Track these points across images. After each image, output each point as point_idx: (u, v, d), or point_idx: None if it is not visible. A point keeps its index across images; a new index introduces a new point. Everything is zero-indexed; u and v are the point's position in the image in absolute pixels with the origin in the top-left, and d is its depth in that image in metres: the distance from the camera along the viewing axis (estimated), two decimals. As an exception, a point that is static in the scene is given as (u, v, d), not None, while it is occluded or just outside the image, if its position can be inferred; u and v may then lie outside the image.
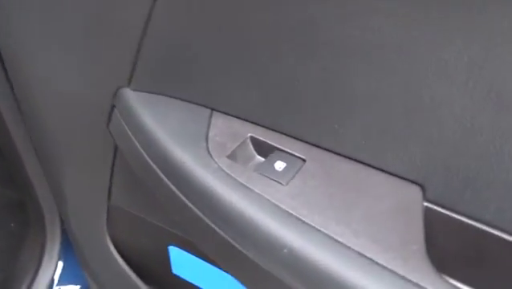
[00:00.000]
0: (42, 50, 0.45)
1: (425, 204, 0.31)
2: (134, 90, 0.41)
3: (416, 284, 0.26)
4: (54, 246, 0.88)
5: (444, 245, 0.31)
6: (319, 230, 0.29)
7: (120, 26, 0.37)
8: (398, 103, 0.30)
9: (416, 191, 0.32)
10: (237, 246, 0.32)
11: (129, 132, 0.40)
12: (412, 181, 0.32)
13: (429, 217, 0.31)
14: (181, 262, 0.59)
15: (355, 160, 0.33)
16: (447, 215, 0.31)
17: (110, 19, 0.38)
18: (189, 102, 0.39)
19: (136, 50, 0.37)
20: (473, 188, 0.30)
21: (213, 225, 0.33)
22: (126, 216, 0.58)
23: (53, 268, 0.89)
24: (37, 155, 0.61)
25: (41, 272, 0.88)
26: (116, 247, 0.65)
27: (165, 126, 0.38)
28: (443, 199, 0.31)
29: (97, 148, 0.50)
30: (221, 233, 0.32)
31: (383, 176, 0.32)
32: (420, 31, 0.27)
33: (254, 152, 0.37)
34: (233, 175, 0.33)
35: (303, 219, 0.30)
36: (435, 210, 0.31)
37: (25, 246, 0.90)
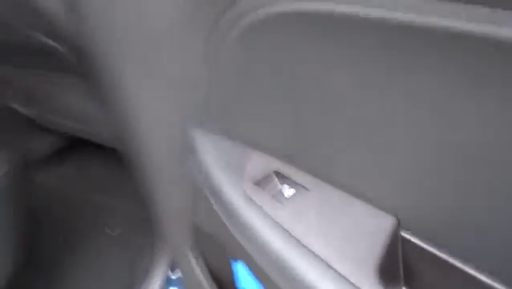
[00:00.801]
0: (134, 81, 0.59)
1: (401, 233, 0.38)
2: (199, 128, 0.54)
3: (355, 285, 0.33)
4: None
5: (413, 271, 0.38)
6: (300, 241, 0.38)
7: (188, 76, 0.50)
8: (376, 143, 0.38)
9: (390, 220, 0.39)
10: (246, 248, 0.42)
11: (193, 163, 0.54)
12: (389, 211, 0.39)
13: (402, 244, 0.38)
14: (246, 277, 0.70)
15: (346, 190, 0.42)
16: (419, 245, 0.38)
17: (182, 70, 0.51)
18: (238, 141, 0.52)
19: (203, 98, 0.51)
20: (445, 226, 0.36)
21: (232, 231, 0.44)
22: (203, 233, 0.71)
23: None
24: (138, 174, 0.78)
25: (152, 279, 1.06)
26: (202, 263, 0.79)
27: (217, 158, 0.51)
28: (415, 231, 0.38)
29: (181, 172, 0.65)
30: (238, 237, 0.43)
31: (365, 205, 0.40)
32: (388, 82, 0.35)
33: (276, 181, 0.47)
34: (252, 197, 0.44)
35: (291, 232, 0.40)
36: (406, 239, 0.38)
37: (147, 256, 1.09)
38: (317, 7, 0.32)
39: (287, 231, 0.39)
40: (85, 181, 1.40)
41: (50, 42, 0.79)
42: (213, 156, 0.51)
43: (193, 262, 0.77)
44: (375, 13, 0.29)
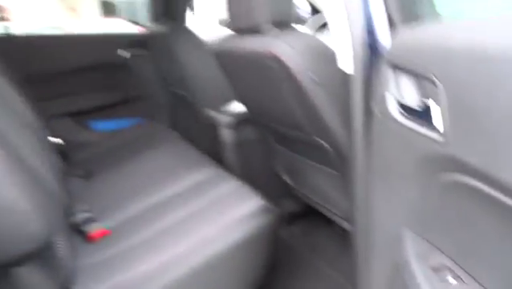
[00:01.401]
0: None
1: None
2: (406, 228, 0.82)
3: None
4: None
5: None
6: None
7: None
8: (500, 266, 0.60)
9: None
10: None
11: (397, 252, 0.82)
12: None
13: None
14: None
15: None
16: None
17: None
18: (428, 242, 0.78)
19: (415, 211, 0.80)
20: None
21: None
22: None
23: None
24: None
25: None
26: None
27: (412, 250, 0.78)
28: None
29: (386, 255, 0.93)
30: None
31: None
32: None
33: (446, 272, 0.72)
34: (427, 276, 0.70)
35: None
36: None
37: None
38: (478, 186, 0.59)
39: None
40: (308, 243, 1.78)
41: (324, 144, 1.21)
42: (411, 248, 0.79)
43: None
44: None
